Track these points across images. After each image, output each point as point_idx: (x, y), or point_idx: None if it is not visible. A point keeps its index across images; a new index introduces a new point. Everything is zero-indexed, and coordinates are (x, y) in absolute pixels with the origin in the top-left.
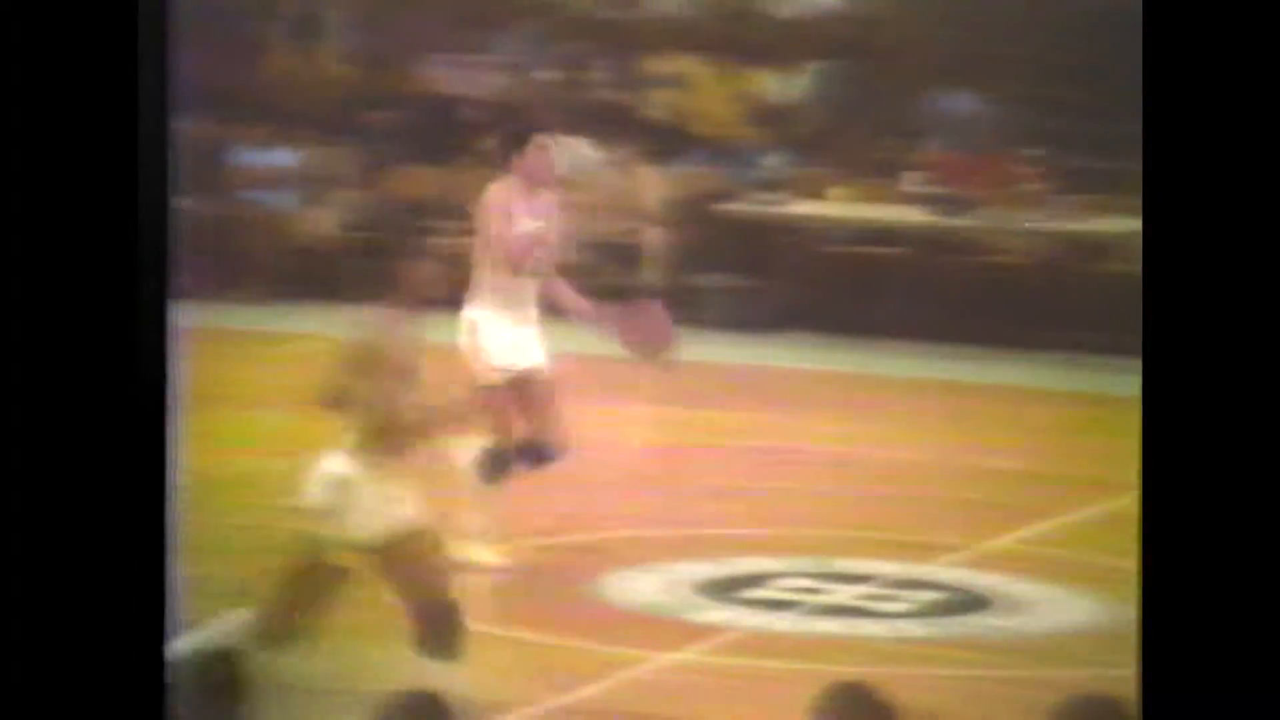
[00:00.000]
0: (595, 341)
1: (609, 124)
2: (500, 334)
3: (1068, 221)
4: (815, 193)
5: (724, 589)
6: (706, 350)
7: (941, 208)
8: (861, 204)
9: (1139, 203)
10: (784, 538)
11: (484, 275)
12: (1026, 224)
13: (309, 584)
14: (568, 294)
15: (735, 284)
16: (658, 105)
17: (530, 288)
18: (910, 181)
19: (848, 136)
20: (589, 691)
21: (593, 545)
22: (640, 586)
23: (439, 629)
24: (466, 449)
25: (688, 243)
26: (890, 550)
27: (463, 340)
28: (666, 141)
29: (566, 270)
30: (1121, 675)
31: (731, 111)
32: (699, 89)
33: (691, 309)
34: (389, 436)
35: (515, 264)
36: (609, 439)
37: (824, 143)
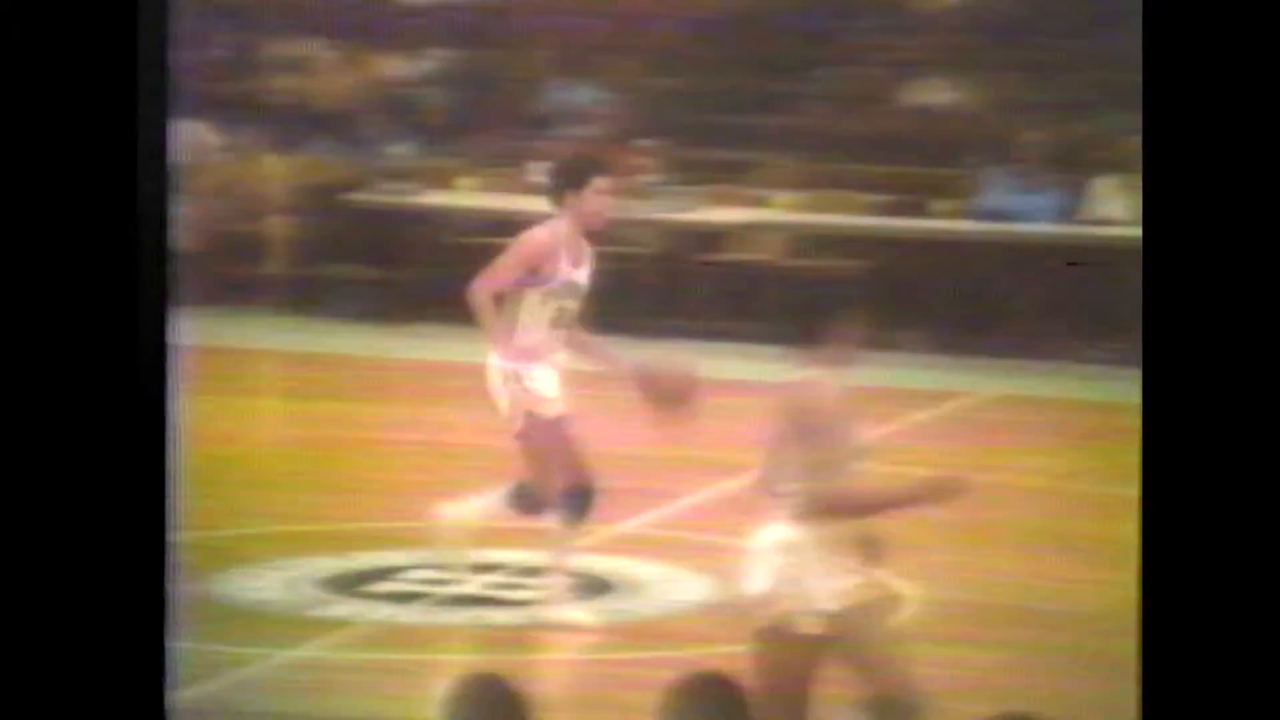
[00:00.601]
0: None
1: (230, 108)
2: (541, 371)
3: (683, 211)
4: (444, 182)
5: (349, 583)
6: (334, 343)
7: None
8: (489, 194)
9: (752, 193)
10: (412, 530)
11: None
12: (643, 214)
13: (794, 659)
14: (596, 346)
15: (364, 275)
16: (281, 90)
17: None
18: (535, 171)
19: (474, 125)
20: (203, 690)
21: (216, 543)
22: (261, 583)
23: (900, 698)
24: None
25: (314, 233)
26: (518, 539)
27: (502, 375)
28: (290, 128)
29: (187, 261)
30: (732, 651)
31: (357, 98)
32: (323, 74)
33: (319, 301)
34: (834, 502)
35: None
36: (240, 433)
37: (451, 132)
